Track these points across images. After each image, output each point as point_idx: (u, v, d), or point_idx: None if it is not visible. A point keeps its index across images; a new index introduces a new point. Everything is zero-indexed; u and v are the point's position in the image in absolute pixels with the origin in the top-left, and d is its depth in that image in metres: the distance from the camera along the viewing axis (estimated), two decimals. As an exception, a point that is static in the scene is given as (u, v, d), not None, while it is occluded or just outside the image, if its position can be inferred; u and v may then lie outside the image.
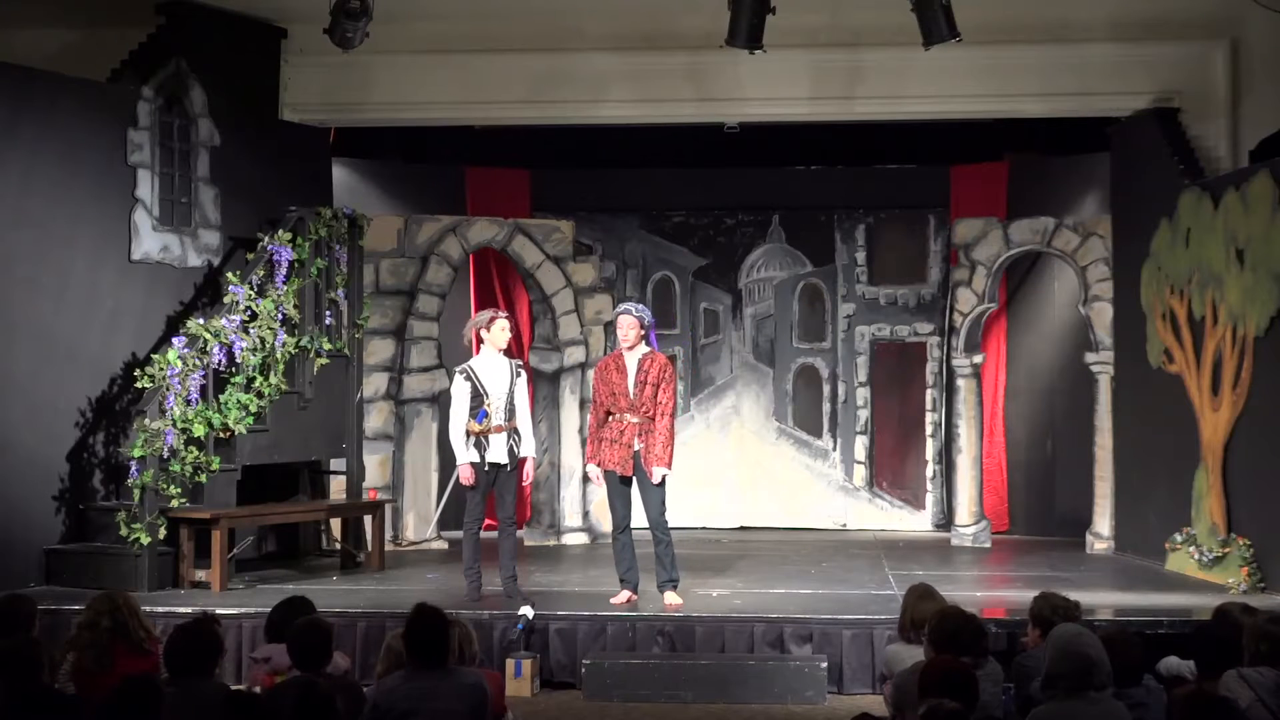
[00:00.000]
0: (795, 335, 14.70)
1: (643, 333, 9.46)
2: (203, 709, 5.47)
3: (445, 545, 12.37)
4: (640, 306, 9.62)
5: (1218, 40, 11.64)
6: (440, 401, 12.15)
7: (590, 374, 13.00)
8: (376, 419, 12.33)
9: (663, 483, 9.37)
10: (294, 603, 6.94)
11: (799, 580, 10.64)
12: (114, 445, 10.48)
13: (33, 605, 6.78)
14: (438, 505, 12.63)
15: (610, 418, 9.46)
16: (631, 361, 9.45)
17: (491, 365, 9.55)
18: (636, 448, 9.36)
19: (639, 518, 9.45)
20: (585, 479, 13.00)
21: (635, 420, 9.37)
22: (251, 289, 10.51)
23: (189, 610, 8.45)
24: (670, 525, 9.45)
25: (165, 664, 5.85)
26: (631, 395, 9.38)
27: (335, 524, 11.58)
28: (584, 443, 13.01)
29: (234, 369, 10.33)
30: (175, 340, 10.14)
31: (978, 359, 13.05)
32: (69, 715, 5.29)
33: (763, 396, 14.71)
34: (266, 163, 11.73)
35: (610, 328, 13.15)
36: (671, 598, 9.31)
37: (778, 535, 13.89)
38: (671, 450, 9.39)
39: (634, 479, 9.42)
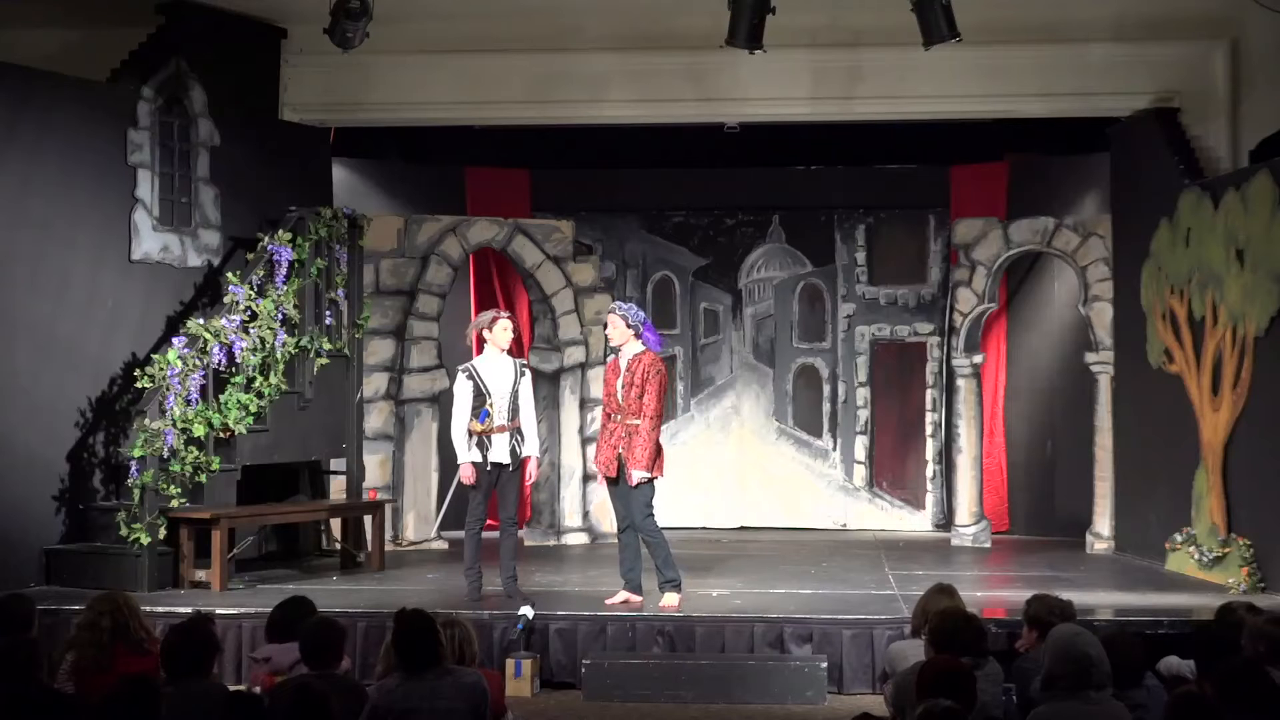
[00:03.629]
0: (795, 335, 14.70)
1: (630, 331, 9.30)
2: (201, 709, 5.47)
3: (445, 545, 12.37)
4: (625, 305, 9.47)
5: (1218, 40, 11.63)
6: (440, 401, 12.15)
7: (590, 374, 13.07)
8: (376, 419, 12.33)
9: (640, 486, 9.17)
10: (295, 603, 6.94)
11: (799, 580, 10.62)
12: (114, 445, 10.48)
13: (32, 605, 6.78)
14: (439, 505, 12.63)
15: (608, 419, 9.40)
16: (624, 362, 9.35)
17: (494, 365, 9.53)
18: (621, 450, 9.24)
19: None
20: (586, 479, 13.01)
21: (621, 421, 9.27)
22: (251, 289, 10.51)
23: (189, 610, 8.43)
24: (664, 526, 9.37)
25: (163, 664, 5.84)
26: (619, 397, 9.28)
27: (335, 524, 11.58)
28: (584, 443, 13.05)
29: (234, 369, 10.33)
30: (175, 340, 10.14)
31: (978, 359, 13.04)
32: (68, 715, 5.28)
33: (763, 396, 14.71)
34: (266, 163, 11.73)
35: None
36: (667, 599, 9.23)
37: (777, 535, 13.88)
38: (650, 452, 9.14)
39: (618, 481, 9.31)
